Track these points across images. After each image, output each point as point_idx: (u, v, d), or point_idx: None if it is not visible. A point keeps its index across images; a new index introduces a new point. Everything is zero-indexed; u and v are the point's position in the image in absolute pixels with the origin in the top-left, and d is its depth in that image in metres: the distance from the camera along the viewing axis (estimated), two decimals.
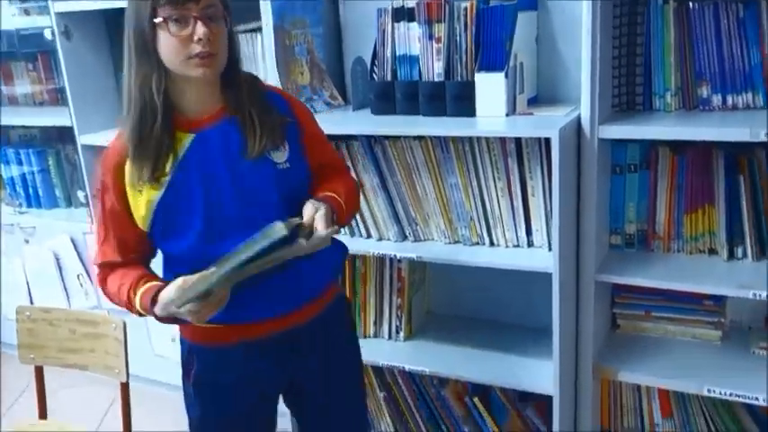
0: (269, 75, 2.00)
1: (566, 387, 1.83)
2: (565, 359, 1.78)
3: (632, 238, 1.87)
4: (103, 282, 1.42)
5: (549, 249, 1.77)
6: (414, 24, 1.82)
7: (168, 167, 1.31)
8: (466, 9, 1.75)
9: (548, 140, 1.63)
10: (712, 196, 1.77)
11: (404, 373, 2.10)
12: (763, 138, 1.51)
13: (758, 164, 1.70)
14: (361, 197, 1.94)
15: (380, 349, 2.09)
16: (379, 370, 2.16)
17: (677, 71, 1.72)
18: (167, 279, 1.32)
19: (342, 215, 1.36)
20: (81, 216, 2.76)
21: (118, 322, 1.75)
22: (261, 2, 1.94)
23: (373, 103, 1.93)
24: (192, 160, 1.32)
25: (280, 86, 1.99)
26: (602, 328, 1.96)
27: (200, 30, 1.23)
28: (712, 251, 1.81)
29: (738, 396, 1.68)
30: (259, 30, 2.01)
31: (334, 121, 1.94)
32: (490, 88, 1.75)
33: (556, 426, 1.82)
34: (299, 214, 1.29)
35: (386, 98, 1.89)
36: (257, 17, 1.97)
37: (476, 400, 1.99)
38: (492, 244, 1.87)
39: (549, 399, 1.80)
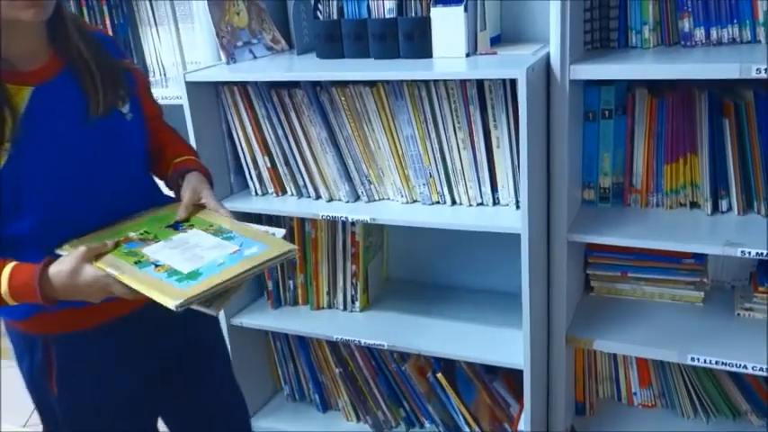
0: (198, 16, 1.78)
1: (537, 358, 1.69)
2: (536, 328, 1.64)
3: (607, 192, 1.73)
4: None
5: (517, 207, 1.61)
6: None
7: (8, 129, 1.08)
8: None
9: (513, 82, 1.48)
10: (695, 144, 1.63)
11: (361, 347, 1.95)
12: (754, 74, 1.34)
13: (746, 107, 1.55)
14: (308, 153, 1.76)
15: (335, 322, 1.94)
16: (333, 345, 2.00)
17: (656, 2, 1.57)
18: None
19: (211, 180, 1.36)
20: None
21: None
22: None
23: (318, 46, 1.73)
24: (36, 119, 1.12)
25: (214, 29, 1.78)
26: (576, 293, 1.81)
27: None
28: (694, 205, 1.68)
29: (725, 364, 1.55)
30: None
31: (275, 67, 1.75)
32: (448, 24, 1.56)
33: (527, 399, 1.68)
34: (146, 174, 1.33)
35: (332, 40, 1.69)
36: None
37: (439, 376, 1.83)
38: (454, 203, 1.70)
39: (519, 371, 1.66)
